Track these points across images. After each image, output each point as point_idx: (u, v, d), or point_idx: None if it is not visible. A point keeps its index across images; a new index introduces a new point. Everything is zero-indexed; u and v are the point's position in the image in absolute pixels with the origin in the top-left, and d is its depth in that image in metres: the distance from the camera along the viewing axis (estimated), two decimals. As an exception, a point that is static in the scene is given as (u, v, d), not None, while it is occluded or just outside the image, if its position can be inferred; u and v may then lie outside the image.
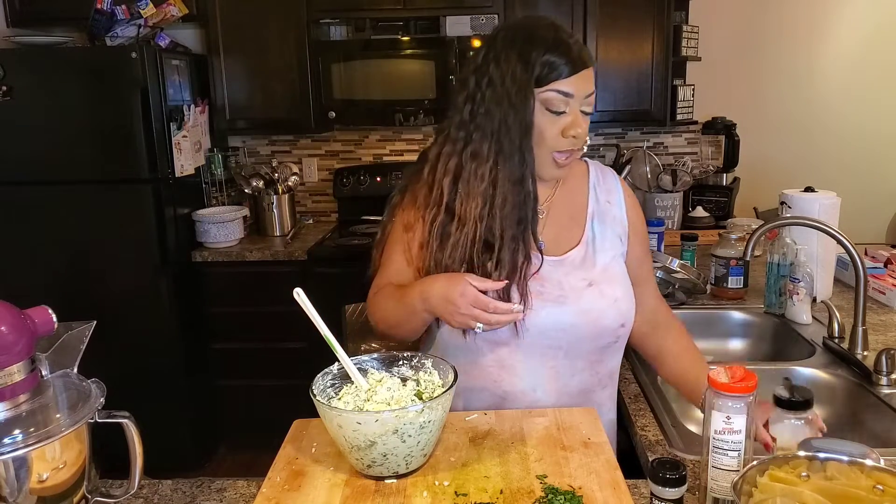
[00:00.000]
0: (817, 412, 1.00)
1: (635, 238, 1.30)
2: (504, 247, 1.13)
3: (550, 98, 1.12)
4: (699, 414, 1.52)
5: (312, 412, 0.97)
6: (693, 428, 1.28)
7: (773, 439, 1.01)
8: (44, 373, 0.86)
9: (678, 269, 1.91)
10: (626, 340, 1.28)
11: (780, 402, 0.97)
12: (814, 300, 1.81)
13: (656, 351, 1.34)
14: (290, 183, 3.24)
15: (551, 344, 1.19)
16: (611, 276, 1.22)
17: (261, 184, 3.21)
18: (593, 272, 1.21)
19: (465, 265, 1.15)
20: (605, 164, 1.24)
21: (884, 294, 1.92)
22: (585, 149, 1.24)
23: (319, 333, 1.00)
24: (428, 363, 1.05)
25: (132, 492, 0.91)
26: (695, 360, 1.30)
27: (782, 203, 1.90)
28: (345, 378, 1.03)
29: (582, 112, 1.14)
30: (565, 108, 1.12)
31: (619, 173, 3.05)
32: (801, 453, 0.85)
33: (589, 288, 1.20)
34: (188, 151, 2.93)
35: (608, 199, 1.29)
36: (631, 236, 1.29)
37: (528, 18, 1.15)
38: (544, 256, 1.20)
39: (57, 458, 0.81)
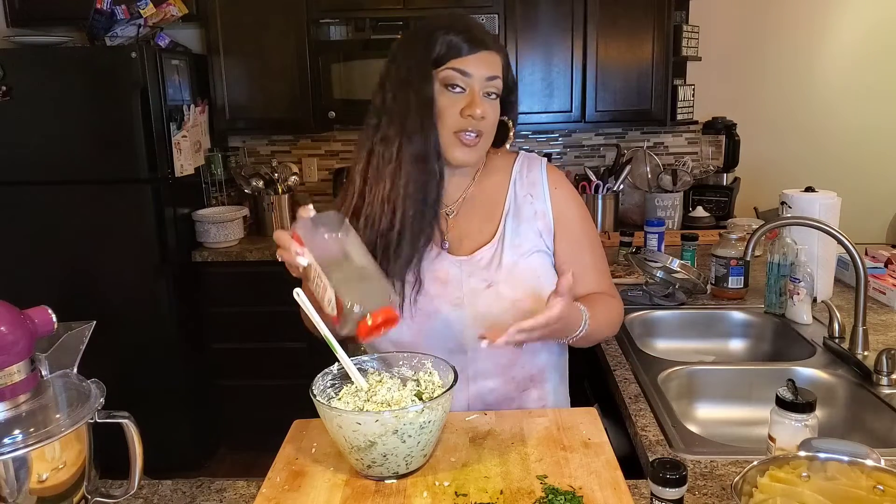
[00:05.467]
0: (818, 413, 1.00)
1: (563, 232, 1.24)
2: (406, 227, 1.14)
3: (449, 76, 1.13)
4: (699, 414, 1.53)
5: (312, 412, 0.96)
6: (693, 428, 1.28)
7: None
8: (44, 373, 0.86)
9: (678, 269, 1.92)
10: (547, 341, 1.23)
11: (782, 404, 0.97)
12: (814, 300, 1.81)
13: None
14: (289, 183, 3.24)
15: (453, 348, 1.18)
16: (515, 276, 1.19)
17: (261, 184, 3.20)
18: (497, 273, 1.19)
19: (374, 245, 1.15)
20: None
21: (884, 294, 1.92)
22: (513, 141, 1.25)
23: (319, 333, 1.00)
24: (428, 363, 1.05)
25: (132, 492, 0.91)
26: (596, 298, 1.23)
27: (782, 203, 1.90)
28: (345, 378, 1.02)
29: (485, 94, 1.14)
30: (464, 86, 1.13)
31: (620, 173, 3.12)
32: (802, 453, 0.85)
33: (487, 290, 1.18)
34: (188, 151, 2.92)
35: (529, 193, 1.25)
36: (557, 231, 1.24)
37: (444, 12, 1.18)
38: (450, 256, 1.20)
39: (57, 458, 0.81)
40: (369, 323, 0.93)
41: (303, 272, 1.00)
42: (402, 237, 1.14)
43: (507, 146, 1.28)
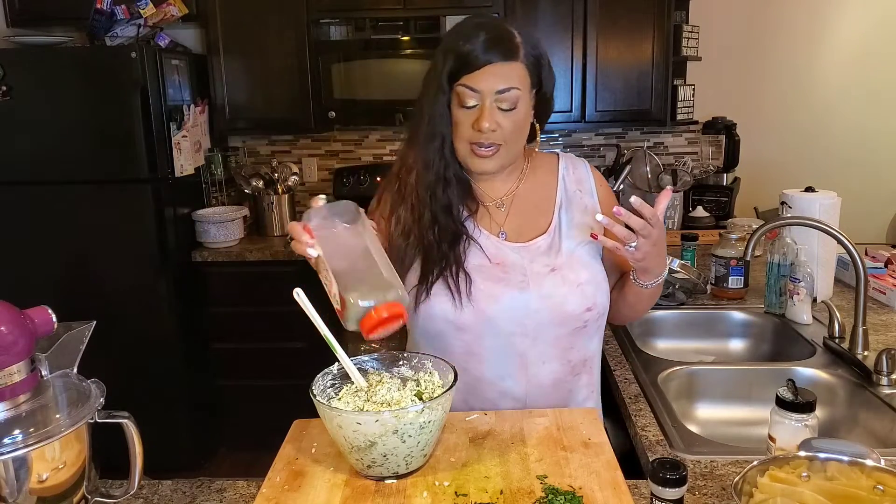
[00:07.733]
0: (818, 413, 1.00)
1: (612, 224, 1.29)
2: (431, 228, 1.19)
3: (460, 92, 1.16)
4: (699, 414, 1.53)
5: (312, 412, 0.96)
6: (693, 428, 1.28)
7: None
8: (44, 373, 0.86)
9: (678, 269, 1.91)
10: (600, 325, 1.28)
11: (782, 404, 0.97)
12: (814, 300, 1.81)
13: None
14: (289, 183, 3.24)
15: (516, 330, 1.20)
16: (575, 261, 1.23)
17: (261, 184, 3.21)
18: (558, 259, 1.23)
19: (409, 241, 1.20)
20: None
21: (884, 294, 1.92)
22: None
23: (319, 333, 1.00)
24: (428, 363, 1.05)
25: (132, 492, 0.91)
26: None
27: (782, 203, 1.90)
28: (345, 378, 1.02)
29: (498, 108, 1.15)
30: (475, 102, 1.15)
31: (620, 173, 3.12)
32: (802, 453, 0.85)
33: (551, 273, 1.21)
34: (188, 151, 2.93)
35: (578, 188, 1.30)
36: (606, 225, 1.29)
37: (472, 15, 1.20)
38: (508, 243, 1.23)
39: (57, 458, 0.81)
40: (374, 316, 0.92)
41: (314, 263, 1.00)
42: (433, 234, 1.19)
43: (536, 149, 1.31)
